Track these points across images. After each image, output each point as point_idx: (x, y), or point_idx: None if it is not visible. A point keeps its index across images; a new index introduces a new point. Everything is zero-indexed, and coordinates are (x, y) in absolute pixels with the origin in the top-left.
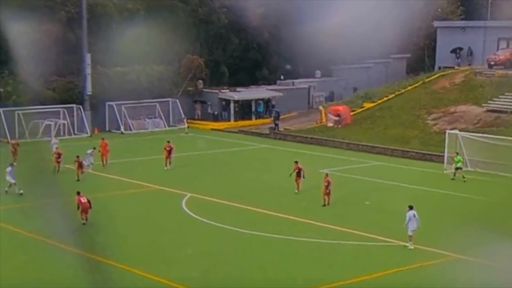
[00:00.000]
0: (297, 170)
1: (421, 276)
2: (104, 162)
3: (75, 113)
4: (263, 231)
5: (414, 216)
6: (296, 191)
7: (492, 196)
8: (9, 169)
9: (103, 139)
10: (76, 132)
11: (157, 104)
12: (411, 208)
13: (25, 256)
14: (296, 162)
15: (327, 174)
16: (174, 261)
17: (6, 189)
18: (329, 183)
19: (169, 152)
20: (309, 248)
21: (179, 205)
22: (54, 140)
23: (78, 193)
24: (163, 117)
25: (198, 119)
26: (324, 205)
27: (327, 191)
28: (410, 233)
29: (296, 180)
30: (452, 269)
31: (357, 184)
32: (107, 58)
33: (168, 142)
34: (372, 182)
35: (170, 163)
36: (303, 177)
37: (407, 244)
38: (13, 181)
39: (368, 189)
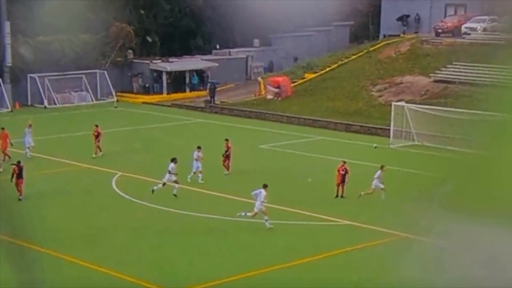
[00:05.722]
0: (225, 149)
1: (366, 256)
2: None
3: None
4: (199, 211)
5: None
6: (226, 172)
7: (439, 171)
8: None
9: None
10: None
11: (83, 76)
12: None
13: None
14: (227, 140)
15: (344, 162)
16: (104, 244)
17: None
18: (346, 171)
19: (97, 137)
20: (248, 229)
21: (108, 185)
22: None
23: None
24: (90, 90)
25: (135, 93)
26: (337, 196)
27: (343, 180)
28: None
29: (225, 162)
30: (398, 249)
31: (298, 160)
32: (28, 27)
33: (96, 126)
34: (315, 158)
35: (100, 149)
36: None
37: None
38: None
39: (310, 165)
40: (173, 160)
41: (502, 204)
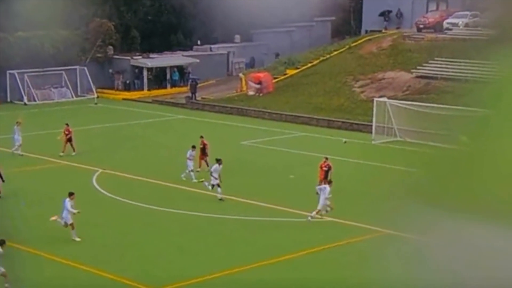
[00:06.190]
0: (201, 146)
1: (348, 253)
2: None
3: None
4: (181, 208)
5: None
6: (199, 169)
7: (422, 168)
8: None
9: None
10: None
11: (63, 72)
12: None
13: None
14: (202, 136)
15: (326, 158)
16: (85, 242)
17: None
18: (329, 168)
19: (67, 135)
20: (230, 226)
21: (89, 182)
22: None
23: None
24: (70, 87)
25: (116, 90)
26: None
27: (326, 177)
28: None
29: (200, 158)
30: (381, 245)
31: (280, 156)
32: (7, 22)
33: (67, 125)
34: (297, 154)
35: (63, 150)
36: (207, 155)
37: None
38: None
39: (292, 161)
40: (218, 161)
41: (484, 199)
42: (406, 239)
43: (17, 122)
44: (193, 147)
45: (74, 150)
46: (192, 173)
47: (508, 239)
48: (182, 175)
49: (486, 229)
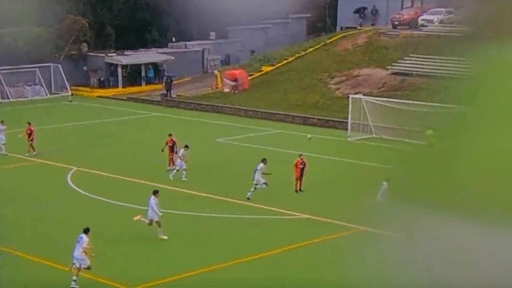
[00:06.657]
0: (170, 144)
1: (325, 250)
2: None
3: None
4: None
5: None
6: (168, 168)
7: (397, 165)
8: None
9: None
10: None
11: (37, 69)
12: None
13: None
14: (170, 134)
15: (301, 155)
16: (60, 241)
17: None
18: (304, 165)
19: (30, 135)
20: (206, 224)
21: (64, 180)
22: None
23: None
24: (44, 84)
25: (91, 87)
26: (297, 191)
27: (301, 174)
28: None
29: (169, 155)
30: (357, 242)
31: (256, 153)
32: None
33: (29, 124)
34: (272, 151)
35: (34, 148)
36: (176, 152)
37: None
38: None
39: (268, 159)
40: (263, 160)
41: (459, 196)
42: (382, 236)
43: (1, 122)
44: (186, 146)
45: (33, 150)
46: (173, 171)
47: (483, 235)
48: (182, 176)
49: (461, 225)
